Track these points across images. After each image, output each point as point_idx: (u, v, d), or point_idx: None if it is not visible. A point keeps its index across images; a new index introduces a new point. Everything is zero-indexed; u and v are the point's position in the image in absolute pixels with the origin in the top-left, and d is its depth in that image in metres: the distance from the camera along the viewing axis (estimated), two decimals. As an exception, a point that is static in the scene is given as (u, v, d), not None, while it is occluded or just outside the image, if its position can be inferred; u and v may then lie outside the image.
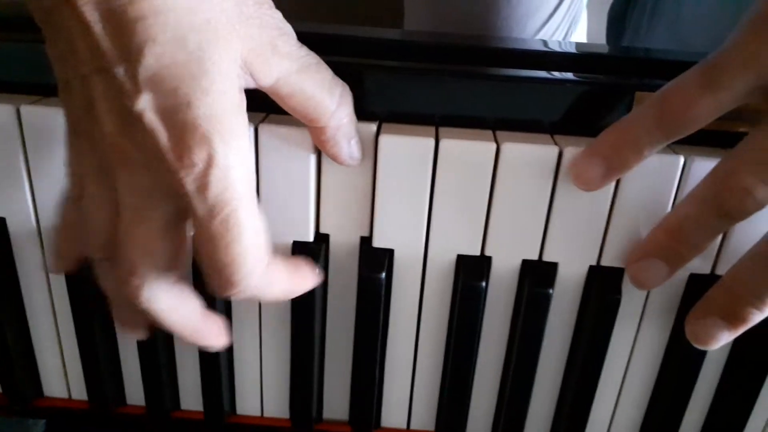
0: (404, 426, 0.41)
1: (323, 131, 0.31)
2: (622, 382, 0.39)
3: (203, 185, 0.26)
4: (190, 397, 0.41)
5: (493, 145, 0.33)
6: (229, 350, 0.39)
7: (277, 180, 0.34)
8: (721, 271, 0.35)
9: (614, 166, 0.31)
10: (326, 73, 0.31)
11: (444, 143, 0.33)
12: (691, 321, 0.33)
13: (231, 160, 0.26)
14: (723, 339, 0.32)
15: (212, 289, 0.29)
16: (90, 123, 0.27)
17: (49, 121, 0.33)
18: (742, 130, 0.33)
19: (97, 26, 0.24)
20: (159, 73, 0.25)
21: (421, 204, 0.34)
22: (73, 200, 0.31)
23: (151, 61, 0.25)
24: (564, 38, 0.62)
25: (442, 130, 0.34)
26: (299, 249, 0.36)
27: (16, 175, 0.35)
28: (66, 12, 0.25)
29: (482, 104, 0.34)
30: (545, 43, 0.40)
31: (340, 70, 0.33)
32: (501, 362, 0.39)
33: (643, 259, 0.33)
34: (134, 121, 0.26)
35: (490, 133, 0.34)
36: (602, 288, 0.35)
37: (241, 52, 0.27)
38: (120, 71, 0.25)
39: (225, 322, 0.37)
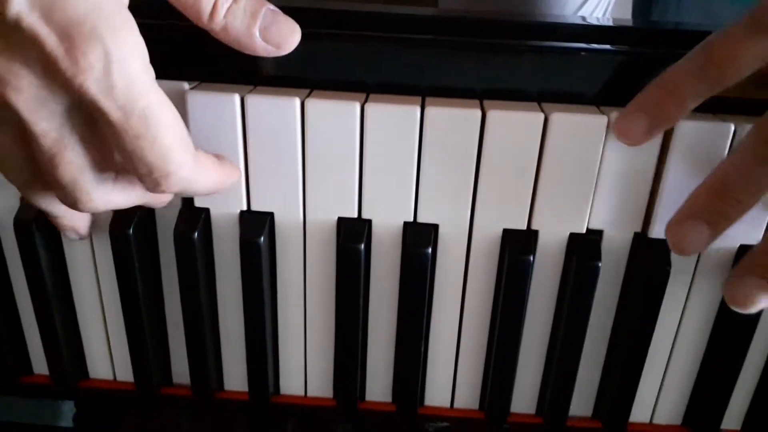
0: (448, 405, 0.41)
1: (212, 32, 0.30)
2: (670, 355, 0.39)
3: (108, 86, 0.25)
4: (235, 377, 0.41)
5: (541, 116, 0.33)
6: (274, 331, 0.39)
7: (322, 155, 0.34)
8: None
9: (658, 120, 0.31)
10: None
11: (491, 114, 0.33)
12: (729, 283, 0.32)
13: (127, 52, 0.25)
14: (763, 301, 0.32)
15: (147, 188, 0.28)
16: None
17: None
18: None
19: None
20: None
21: (467, 177, 0.34)
22: None
23: None
24: (603, 15, 0.61)
25: (486, 102, 0.34)
26: (344, 224, 0.36)
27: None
28: None
29: (526, 77, 0.34)
30: (588, 18, 0.40)
31: (380, 46, 0.34)
32: (546, 337, 0.38)
33: (685, 221, 0.32)
34: (14, 32, 0.24)
35: (535, 104, 0.34)
36: (652, 260, 0.35)
37: None
38: None
39: (269, 305, 0.38)
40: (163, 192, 0.29)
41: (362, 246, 0.35)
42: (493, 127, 0.33)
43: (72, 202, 0.29)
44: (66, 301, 0.40)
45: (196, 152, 0.29)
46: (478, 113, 0.33)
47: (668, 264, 0.35)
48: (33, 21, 0.24)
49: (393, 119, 0.33)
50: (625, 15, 0.76)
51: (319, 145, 0.34)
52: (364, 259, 0.36)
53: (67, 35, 0.24)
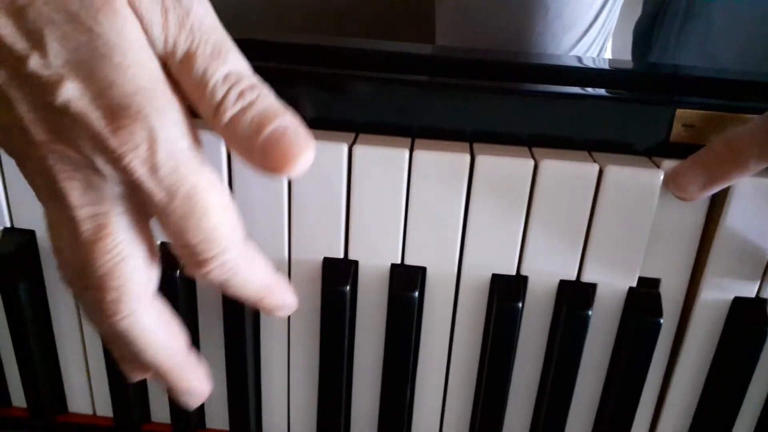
0: (434, 449, 0.40)
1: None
2: (662, 401, 0.38)
3: (153, 166, 0.24)
4: (217, 415, 0.40)
5: (531, 162, 0.32)
6: (257, 368, 0.39)
7: (309, 196, 0.34)
8: (766, 294, 0.34)
9: (715, 177, 0.31)
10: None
11: (480, 159, 0.32)
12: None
13: (172, 132, 0.25)
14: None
15: (188, 270, 0.27)
16: (23, 140, 0.25)
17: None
18: None
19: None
20: (71, 58, 0.23)
21: (455, 221, 0.34)
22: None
23: (56, 46, 0.23)
24: (599, 54, 0.61)
25: (477, 146, 0.33)
26: (330, 265, 0.35)
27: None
28: None
29: (517, 120, 0.34)
30: (581, 59, 0.39)
31: (369, 84, 0.33)
32: (536, 384, 0.38)
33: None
34: (63, 117, 0.24)
35: (526, 149, 0.33)
36: (641, 310, 0.34)
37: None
38: (33, 64, 0.23)
39: (252, 343, 0.37)
40: (206, 275, 0.27)
41: (347, 288, 0.35)
42: (482, 172, 0.32)
43: (101, 303, 0.27)
44: (47, 334, 0.39)
45: (250, 245, 0.29)
46: (467, 157, 0.32)
47: (659, 315, 0.34)
48: (83, 105, 0.24)
49: (381, 161, 0.33)
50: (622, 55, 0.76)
51: (305, 184, 0.33)
52: (350, 300, 0.35)
53: (116, 116, 0.24)
